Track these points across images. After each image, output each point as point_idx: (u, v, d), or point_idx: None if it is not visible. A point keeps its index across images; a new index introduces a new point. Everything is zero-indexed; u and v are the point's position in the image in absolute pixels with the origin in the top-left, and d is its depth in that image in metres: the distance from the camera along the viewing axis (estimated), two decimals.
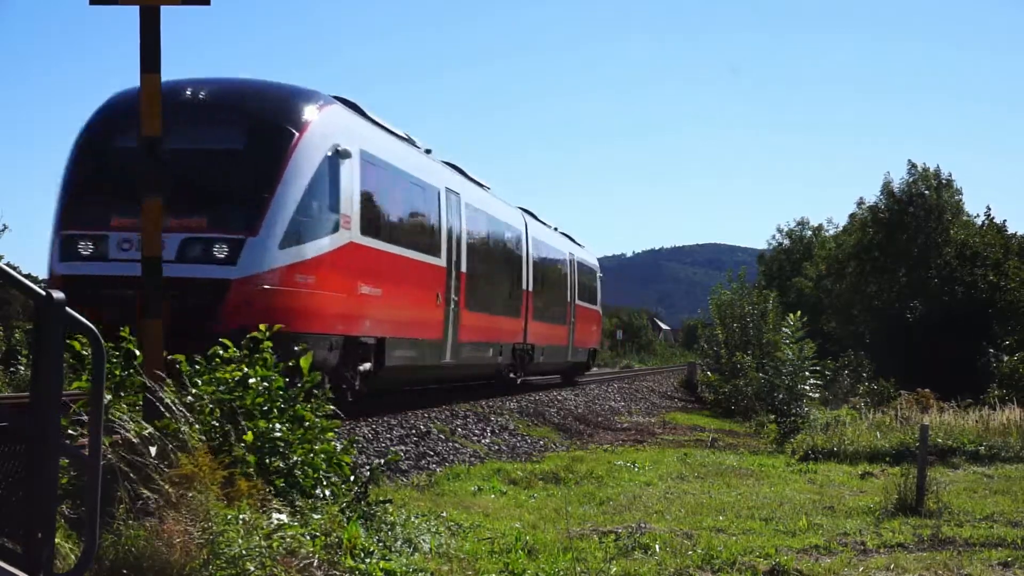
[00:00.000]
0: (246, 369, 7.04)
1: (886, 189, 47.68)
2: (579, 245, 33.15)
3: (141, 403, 6.49)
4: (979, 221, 46.63)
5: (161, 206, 7.05)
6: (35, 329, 4.15)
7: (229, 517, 5.54)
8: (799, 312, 22.42)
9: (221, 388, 6.81)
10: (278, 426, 6.89)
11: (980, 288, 40.67)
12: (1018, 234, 44.60)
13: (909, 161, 48.09)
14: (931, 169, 47.44)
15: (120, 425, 6.14)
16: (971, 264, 41.96)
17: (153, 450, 5.96)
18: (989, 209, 46.48)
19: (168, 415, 6.26)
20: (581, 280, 31.65)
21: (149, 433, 6.04)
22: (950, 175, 47.42)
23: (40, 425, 4.08)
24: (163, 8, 6.95)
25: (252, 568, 5.34)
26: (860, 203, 50.50)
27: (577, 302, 30.62)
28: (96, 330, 4.32)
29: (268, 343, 7.44)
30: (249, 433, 6.62)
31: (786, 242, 73.55)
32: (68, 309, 4.15)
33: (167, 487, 5.68)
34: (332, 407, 7.68)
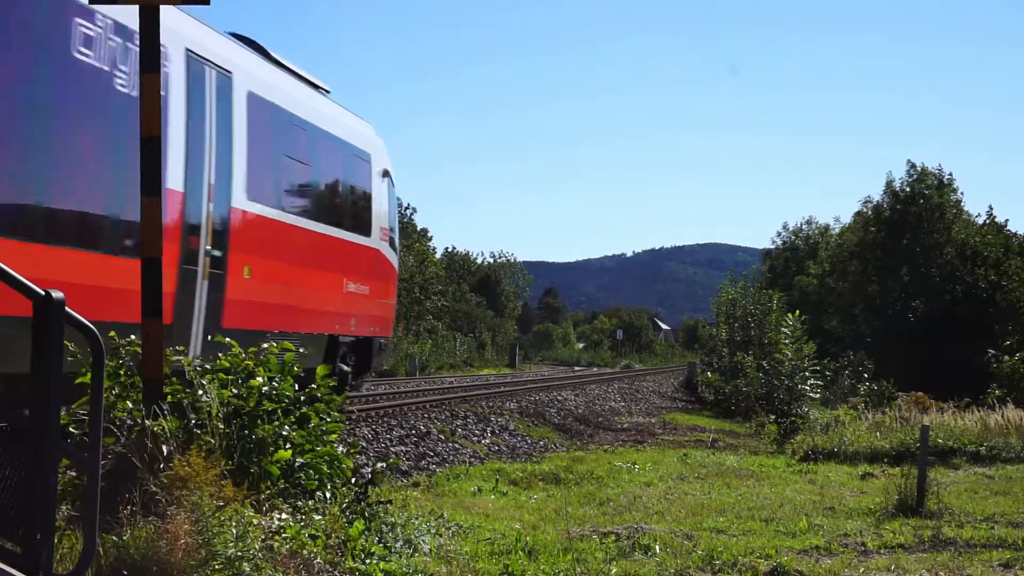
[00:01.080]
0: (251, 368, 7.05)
1: (888, 189, 47.80)
2: (310, 86, 14.50)
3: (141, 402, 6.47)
4: (980, 220, 46.71)
5: (160, 205, 6.94)
6: (34, 329, 4.14)
7: (223, 518, 5.53)
8: (798, 312, 22.42)
9: (228, 391, 6.82)
10: (286, 428, 6.90)
11: (981, 288, 40.67)
12: (1019, 234, 44.60)
13: (908, 161, 48.27)
14: (931, 169, 47.56)
15: (124, 424, 6.15)
16: (972, 264, 41.97)
17: (155, 450, 5.96)
18: (991, 209, 46.56)
19: (174, 415, 6.25)
20: (281, 152, 12.96)
21: (151, 433, 6.03)
22: (951, 175, 47.58)
23: (40, 425, 4.07)
24: (163, 8, 6.93)
25: (248, 569, 5.33)
26: (866, 202, 50.47)
27: (250, 207, 11.98)
28: (95, 329, 4.31)
29: (276, 347, 7.46)
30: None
31: (791, 240, 73.64)
32: (68, 309, 4.14)
33: (175, 486, 5.68)
34: (339, 410, 7.71)
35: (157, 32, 6.79)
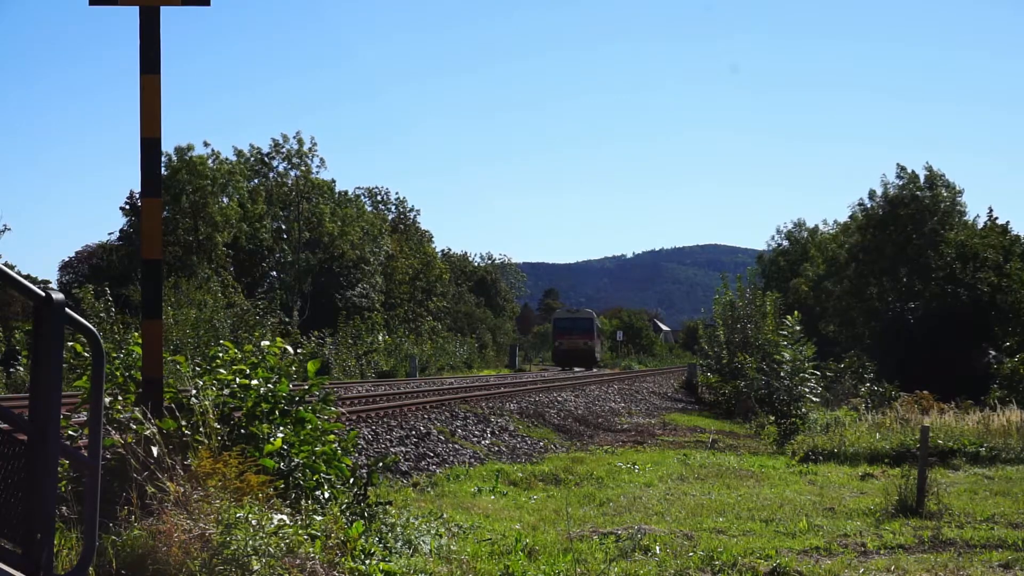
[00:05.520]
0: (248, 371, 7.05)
1: (882, 191, 47.95)
2: None
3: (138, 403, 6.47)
4: (981, 222, 46.67)
5: (161, 206, 6.98)
6: (34, 330, 4.14)
7: (239, 516, 5.53)
8: (796, 312, 22.42)
9: (225, 391, 6.82)
10: (280, 429, 6.89)
11: (981, 290, 40.64)
12: (1021, 237, 44.54)
13: (898, 165, 48.54)
14: (918, 171, 47.72)
15: (127, 425, 6.15)
16: (972, 265, 41.94)
17: (155, 450, 5.96)
18: (991, 210, 46.54)
19: (174, 417, 6.26)
20: None
21: (151, 433, 6.04)
22: (938, 170, 47.71)
23: (40, 426, 4.06)
24: (163, 8, 6.94)
25: (258, 567, 5.33)
26: (860, 204, 50.84)
27: None
28: (95, 330, 4.31)
29: (275, 347, 7.48)
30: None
31: (785, 243, 73.66)
32: (67, 310, 4.14)
33: (175, 486, 5.67)
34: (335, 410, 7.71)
35: (157, 33, 6.81)
